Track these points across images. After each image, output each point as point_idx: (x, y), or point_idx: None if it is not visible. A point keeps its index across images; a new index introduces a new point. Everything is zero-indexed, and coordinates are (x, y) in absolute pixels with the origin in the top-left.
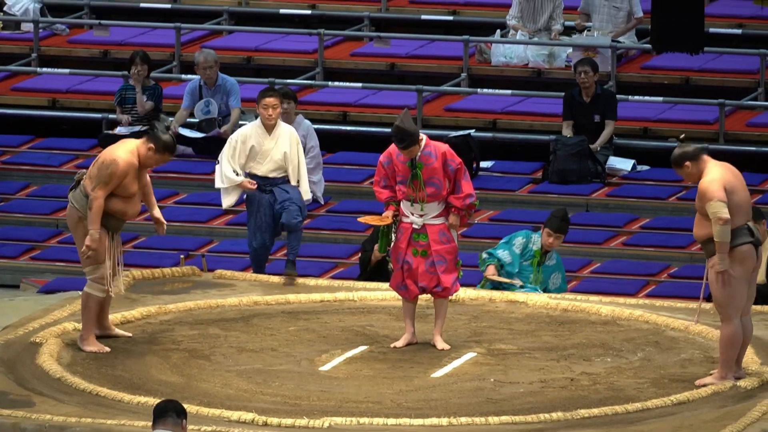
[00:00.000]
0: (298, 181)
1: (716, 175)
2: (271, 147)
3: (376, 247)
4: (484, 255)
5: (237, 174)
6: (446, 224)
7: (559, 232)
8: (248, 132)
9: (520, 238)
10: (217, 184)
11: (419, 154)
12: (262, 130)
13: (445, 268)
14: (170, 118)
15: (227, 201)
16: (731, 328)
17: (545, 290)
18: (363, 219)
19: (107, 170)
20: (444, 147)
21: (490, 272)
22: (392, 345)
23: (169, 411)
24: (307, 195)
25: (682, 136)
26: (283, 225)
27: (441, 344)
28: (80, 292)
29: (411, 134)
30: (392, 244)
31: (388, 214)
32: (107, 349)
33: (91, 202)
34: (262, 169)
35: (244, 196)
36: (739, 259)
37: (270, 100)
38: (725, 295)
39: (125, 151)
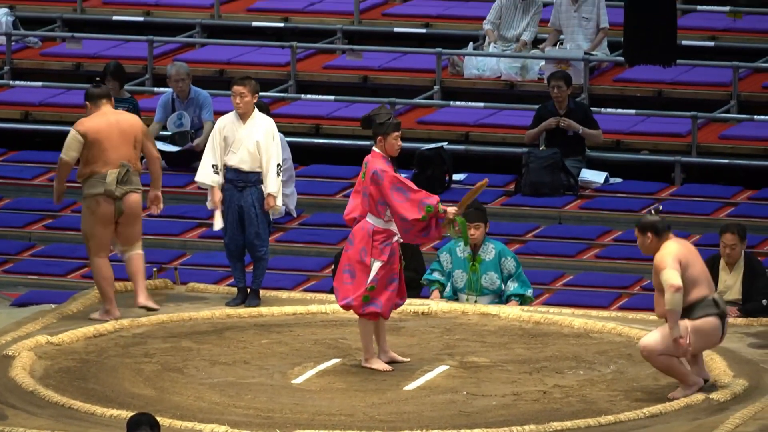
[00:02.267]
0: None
1: (671, 249)
2: (244, 136)
3: None
4: (424, 282)
5: (216, 170)
6: None
7: (472, 221)
8: (225, 121)
9: (444, 254)
10: (197, 177)
11: None
12: (237, 118)
13: None
14: None
15: (217, 225)
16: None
17: (481, 292)
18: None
19: (146, 129)
20: None
21: (434, 296)
22: (382, 368)
23: (143, 424)
24: (271, 189)
25: (660, 207)
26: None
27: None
28: (53, 305)
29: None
30: (401, 260)
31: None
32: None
33: (159, 160)
34: (235, 159)
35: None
36: (702, 331)
37: (236, 88)
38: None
39: (121, 114)
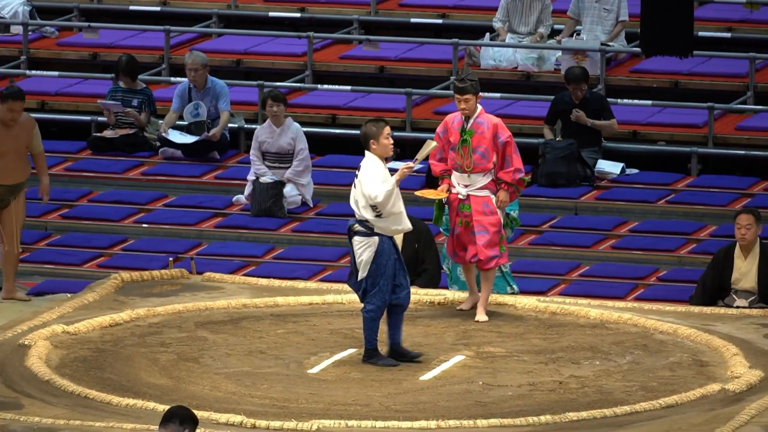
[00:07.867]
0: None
1: None
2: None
3: None
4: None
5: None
6: (490, 197)
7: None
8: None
9: None
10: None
11: (472, 121)
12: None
13: (486, 240)
14: (160, 121)
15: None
16: None
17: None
18: (420, 193)
19: None
20: (496, 120)
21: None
22: (458, 307)
23: (174, 417)
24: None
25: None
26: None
27: (482, 317)
28: (69, 295)
29: (474, 79)
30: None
31: (444, 187)
32: None
33: None
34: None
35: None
36: None
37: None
38: None
39: None
